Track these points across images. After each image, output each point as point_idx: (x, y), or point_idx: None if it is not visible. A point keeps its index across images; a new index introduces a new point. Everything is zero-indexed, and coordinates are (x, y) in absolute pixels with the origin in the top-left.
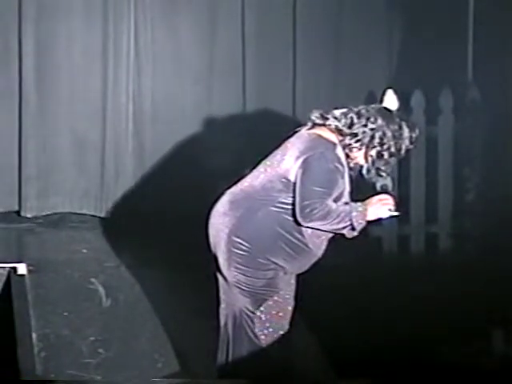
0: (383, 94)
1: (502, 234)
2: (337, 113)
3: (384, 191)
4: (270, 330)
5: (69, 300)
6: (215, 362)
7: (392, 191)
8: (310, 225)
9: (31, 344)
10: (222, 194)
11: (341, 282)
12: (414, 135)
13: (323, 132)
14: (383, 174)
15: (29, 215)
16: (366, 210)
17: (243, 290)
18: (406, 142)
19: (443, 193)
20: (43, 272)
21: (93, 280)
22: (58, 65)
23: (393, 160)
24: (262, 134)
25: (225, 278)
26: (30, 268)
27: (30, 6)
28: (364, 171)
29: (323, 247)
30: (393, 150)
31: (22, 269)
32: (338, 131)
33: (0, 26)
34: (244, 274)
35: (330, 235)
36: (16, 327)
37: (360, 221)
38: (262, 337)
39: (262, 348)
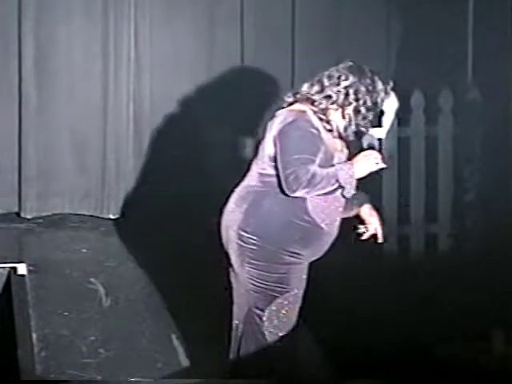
0: None
1: (501, 234)
2: (306, 84)
3: (370, 148)
4: (280, 329)
5: (69, 300)
6: (215, 362)
7: (378, 149)
8: (298, 193)
9: (31, 344)
10: (231, 192)
11: (341, 282)
12: (388, 87)
13: (295, 106)
14: (363, 129)
15: (28, 216)
16: (352, 167)
17: (255, 286)
18: (381, 94)
19: (443, 193)
20: (43, 272)
21: (93, 280)
22: (57, 65)
23: (371, 114)
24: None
25: (236, 277)
26: (30, 268)
27: (30, 6)
28: (341, 130)
29: (336, 224)
30: (369, 103)
31: (21, 269)
32: (311, 99)
33: (0, 26)
34: (257, 269)
35: (339, 210)
36: (16, 327)
37: (348, 179)
38: (271, 336)
39: (272, 347)
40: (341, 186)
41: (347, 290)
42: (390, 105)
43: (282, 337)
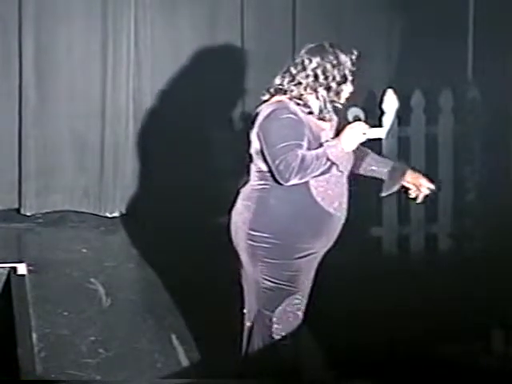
0: (383, 93)
1: (502, 234)
2: (277, 77)
3: (356, 120)
4: (287, 329)
5: (69, 300)
6: (215, 362)
7: (364, 120)
8: (292, 180)
9: (31, 344)
10: (237, 193)
11: (341, 282)
12: (353, 56)
13: (272, 100)
14: (339, 105)
15: (28, 213)
16: (339, 142)
17: (267, 285)
18: (348, 65)
19: (443, 193)
20: (43, 272)
21: (93, 280)
22: (57, 64)
23: (343, 88)
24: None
25: (247, 278)
26: (30, 268)
27: (30, 5)
28: (316, 111)
29: (344, 206)
30: (338, 78)
31: (21, 269)
32: (283, 90)
33: (0, 26)
34: (269, 268)
35: (345, 191)
36: (16, 327)
37: (339, 155)
38: (279, 336)
39: (279, 347)
40: (333, 163)
41: (347, 290)
42: (390, 105)
43: (288, 337)
